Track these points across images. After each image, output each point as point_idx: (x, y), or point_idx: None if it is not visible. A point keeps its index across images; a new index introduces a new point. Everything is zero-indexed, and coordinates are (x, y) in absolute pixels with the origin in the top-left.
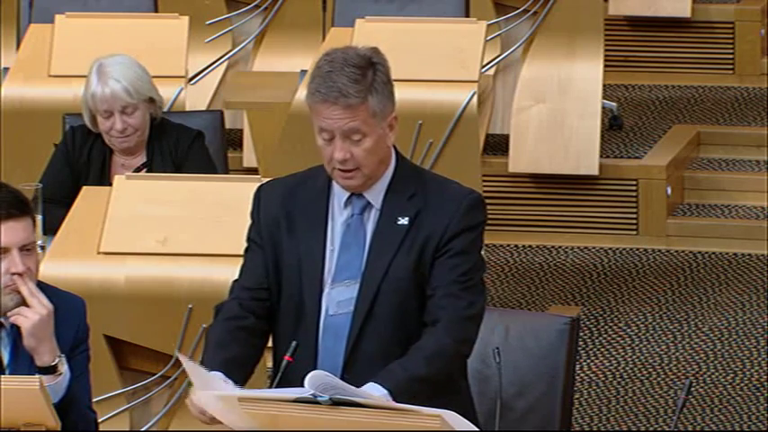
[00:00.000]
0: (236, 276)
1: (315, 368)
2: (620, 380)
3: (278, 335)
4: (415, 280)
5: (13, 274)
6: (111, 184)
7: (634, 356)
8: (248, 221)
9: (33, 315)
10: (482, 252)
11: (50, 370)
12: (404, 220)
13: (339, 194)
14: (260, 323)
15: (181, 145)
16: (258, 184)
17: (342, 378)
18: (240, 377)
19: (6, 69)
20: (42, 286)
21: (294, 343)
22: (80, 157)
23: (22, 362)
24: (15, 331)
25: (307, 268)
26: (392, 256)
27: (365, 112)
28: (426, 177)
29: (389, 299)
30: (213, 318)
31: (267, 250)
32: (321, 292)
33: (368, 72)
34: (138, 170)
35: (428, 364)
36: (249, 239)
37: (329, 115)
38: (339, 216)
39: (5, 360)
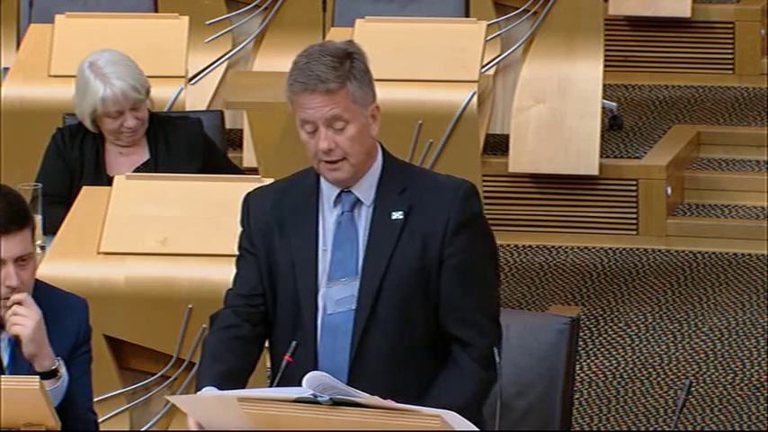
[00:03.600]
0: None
1: (316, 368)
2: (620, 380)
3: (276, 338)
4: (419, 276)
5: (8, 287)
6: (108, 175)
7: (634, 356)
8: None
9: (29, 321)
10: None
11: (51, 374)
12: (398, 215)
13: (328, 193)
14: (255, 330)
15: (193, 138)
16: (247, 191)
17: (348, 378)
18: (233, 388)
19: (6, 69)
20: (43, 286)
21: (294, 343)
22: (72, 153)
23: (22, 364)
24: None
25: (300, 269)
26: (391, 251)
27: (346, 98)
28: (414, 171)
29: (392, 295)
30: (209, 327)
31: (260, 256)
32: (317, 292)
33: (345, 61)
34: (139, 169)
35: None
36: (240, 248)
37: (310, 104)
38: (329, 215)
39: (5, 362)
